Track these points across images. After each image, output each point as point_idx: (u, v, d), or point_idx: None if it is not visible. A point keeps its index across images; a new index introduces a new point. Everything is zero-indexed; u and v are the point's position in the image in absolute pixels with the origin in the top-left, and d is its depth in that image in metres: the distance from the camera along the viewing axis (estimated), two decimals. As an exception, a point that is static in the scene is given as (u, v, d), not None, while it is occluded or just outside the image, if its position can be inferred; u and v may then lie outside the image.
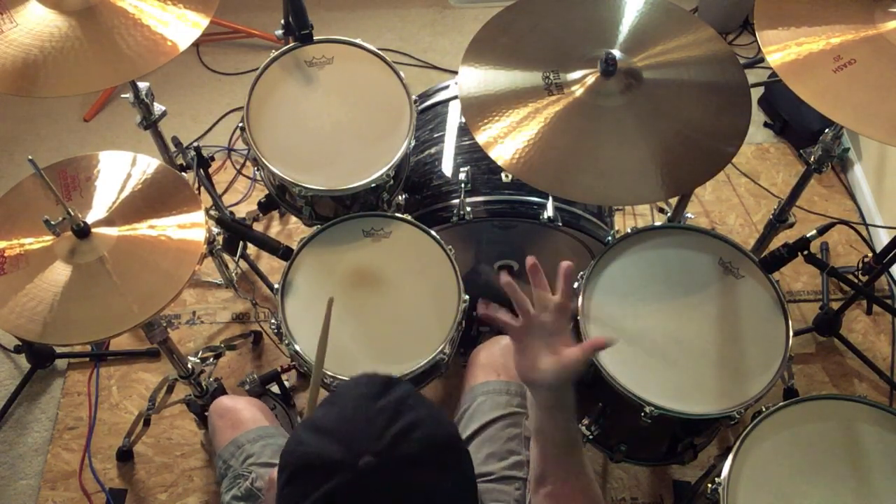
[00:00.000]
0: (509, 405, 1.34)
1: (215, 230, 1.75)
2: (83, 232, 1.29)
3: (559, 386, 0.96)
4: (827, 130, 1.61)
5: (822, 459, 1.28)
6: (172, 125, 2.44)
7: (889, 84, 1.27)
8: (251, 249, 2.20)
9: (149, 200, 1.36)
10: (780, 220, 1.85)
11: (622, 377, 1.37)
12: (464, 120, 1.55)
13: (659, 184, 1.35)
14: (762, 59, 1.68)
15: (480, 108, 1.41)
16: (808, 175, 1.69)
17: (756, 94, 2.58)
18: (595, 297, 1.45)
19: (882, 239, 2.22)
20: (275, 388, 1.91)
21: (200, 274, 2.23)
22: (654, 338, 1.41)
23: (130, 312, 1.24)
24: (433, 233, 1.58)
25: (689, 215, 1.83)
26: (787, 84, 1.30)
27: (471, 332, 1.89)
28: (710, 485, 1.29)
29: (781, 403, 1.33)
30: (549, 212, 1.62)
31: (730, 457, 1.28)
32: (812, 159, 1.64)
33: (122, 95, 1.68)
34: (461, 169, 1.66)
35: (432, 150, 1.81)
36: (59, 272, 1.27)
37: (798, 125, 2.44)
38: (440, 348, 1.45)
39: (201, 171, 1.96)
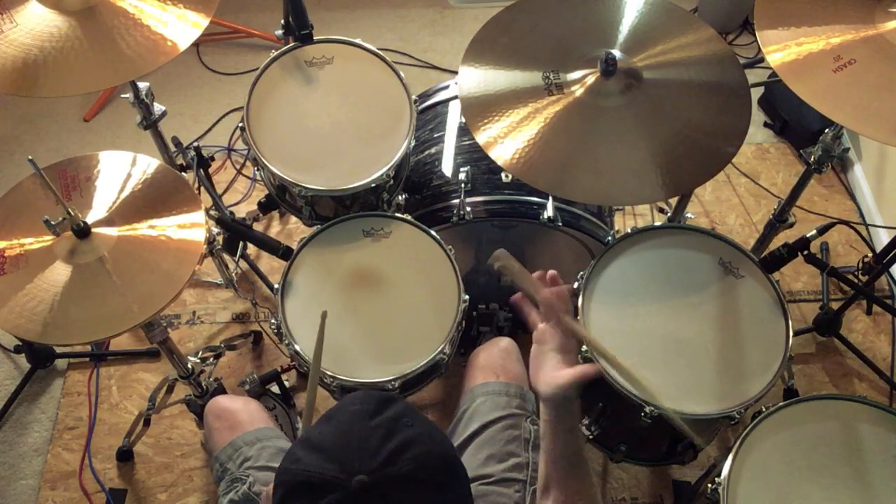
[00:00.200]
0: (508, 406, 1.34)
1: (215, 230, 1.75)
2: (83, 232, 1.29)
3: (559, 402, 0.96)
4: (827, 130, 1.61)
5: (822, 459, 1.28)
6: (172, 125, 2.44)
7: (889, 84, 1.27)
8: (251, 249, 2.20)
9: (149, 200, 1.36)
10: (780, 220, 1.85)
11: (623, 377, 1.36)
12: (464, 120, 1.55)
13: (659, 184, 1.35)
14: (762, 59, 1.68)
15: (480, 108, 1.41)
16: (808, 175, 1.69)
17: (756, 94, 2.58)
18: (595, 297, 1.45)
19: (882, 239, 2.22)
20: (275, 388, 1.91)
21: (200, 274, 2.23)
22: (654, 338, 1.41)
23: (130, 312, 1.25)
24: (433, 233, 1.58)
25: (689, 215, 1.83)
26: (787, 84, 1.30)
27: (471, 332, 1.90)
28: (710, 485, 1.29)
29: (781, 403, 1.33)
30: (549, 212, 1.62)
31: (730, 457, 1.28)
32: (812, 159, 1.64)
33: (122, 95, 1.68)
34: (461, 169, 1.66)
35: (432, 150, 1.81)
36: (59, 272, 1.27)
37: (798, 125, 2.44)
38: (440, 348, 1.45)
39: (201, 171, 1.96)
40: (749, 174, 2.44)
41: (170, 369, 1.73)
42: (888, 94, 1.26)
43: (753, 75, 2.30)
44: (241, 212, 2.31)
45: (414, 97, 1.66)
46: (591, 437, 1.59)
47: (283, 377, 1.91)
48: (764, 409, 1.33)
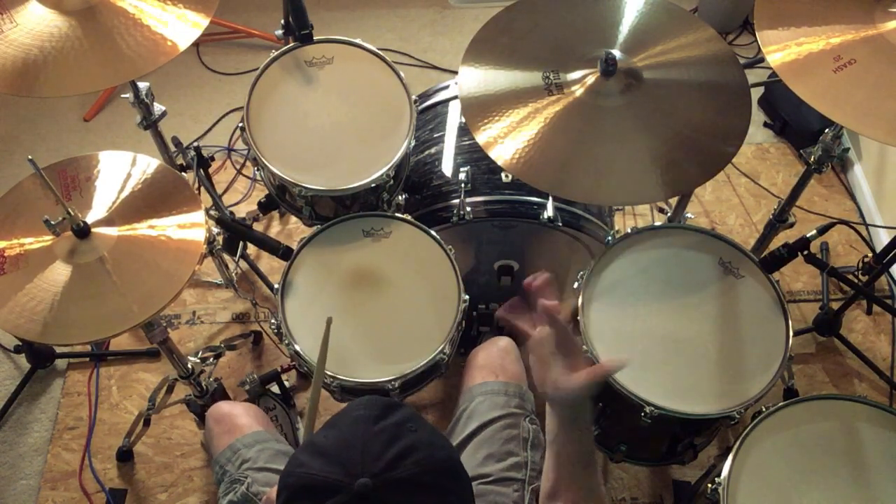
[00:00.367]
0: (507, 406, 1.34)
1: (215, 230, 1.75)
2: (83, 232, 1.29)
3: (575, 403, 0.95)
4: (827, 130, 1.61)
5: (822, 459, 1.28)
6: (172, 125, 2.44)
7: (889, 84, 1.27)
8: (251, 249, 2.20)
9: (149, 200, 1.36)
10: (780, 220, 1.85)
11: (622, 377, 1.36)
12: (464, 120, 1.55)
13: (659, 184, 1.35)
14: (762, 59, 1.68)
15: (480, 108, 1.41)
16: (808, 175, 1.69)
17: (756, 94, 2.58)
18: (595, 297, 1.45)
19: (882, 239, 2.22)
20: (275, 388, 1.91)
21: (200, 274, 2.23)
22: (654, 338, 1.41)
23: (130, 312, 1.25)
24: (433, 233, 1.58)
25: (689, 215, 1.83)
26: (787, 84, 1.30)
27: (471, 332, 1.90)
28: (710, 485, 1.29)
29: (781, 403, 1.33)
30: (549, 212, 1.62)
31: (730, 457, 1.28)
32: (812, 159, 1.64)
33: (122, 95, 1.68)
34: (461, 169, 1.66)
35: (432, 150, 1.81)
36: (59, 272, 1.27)
37: (798, 125, 2.44)
38: (440, 348, 1.45)
39: (201, 171, 1.96)
40: (749, 174, 2.44)
41: (170, 369, 1.73)
42: (888, 94, 1.26)
43: (753, 75, 2.30)
44: (241, 212, 2.31)
45: (414, 97, 1.66)
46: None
47: (283, 377, 1.91)
48: (764, 409, 1.33)
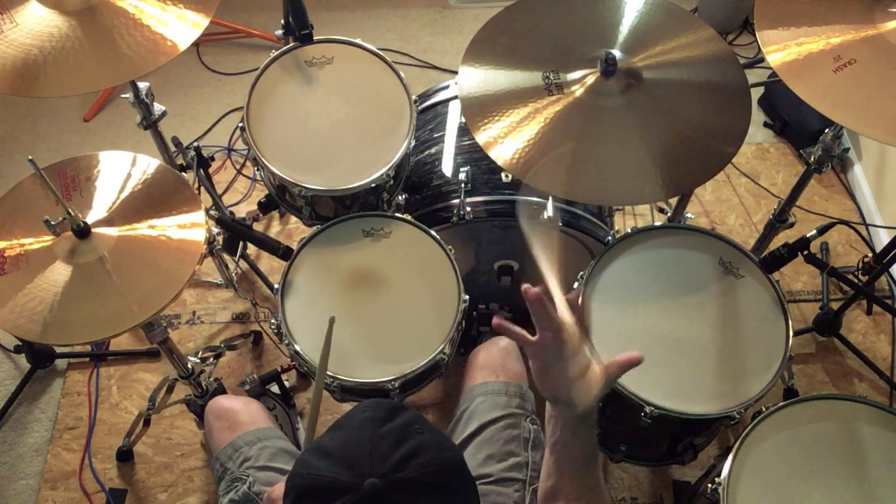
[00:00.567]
0: (508, 406, 1.34)
1: (215, 230, 1.75)
2: (83, 232, 1.29)
3: (585, 404, 0.94)
4: (827, 130, 1.61)
5: (822, 459, 1.28)
6: (172, 125, 2.44)
7: (889, 84, 1.27)
8: (251, 249, 2.20)
9: (149, 200, 1.36)
10: (780, 220, 1.85)
11: (622, 377, 1.36)
12: (464, 120, 1.55)
13: (659, 184, 1.35)
14: (762, 59, 1.68)
15: (480, 108, 1.41)
16: (808, 175, 1.69)
17: (756, 94, 2.58)
18: (595, 297, 1.45)
19: (882, 239, 2.22)
20: (275, 388, 1.91)
21: (200, 274, 2.23)
22: (654, 338, 1.41)
23: (130, 312, 1.25)
24: (433, 233, 1.58)
25: (689, 215, 1.83)
26: (787, 84, 1.29)
27: (471, 332, 1.90)
28: (710, 485, 1.29)
29: (781, 403, 1.33)
30: (549, 212, 1.62)
31: (730, 457, 1.28)
32: (812, 159, 1.64)
33: (122, 95, 1.68)
34: (461, 169, 1.66)
35: (432, 150, 1.81)
36: (59, 272, 1.27)
37: (798, 125, 2.44)
38: (440, 348, 1.45)
39: (201, 171, 1.96)
40: (749, 174, 2.44)
41: (170, 369, 1.73)
42: (888, 94, 1.26)
43: (753, 75, 2.29)
44: (241, 212, 2.31)
45: (414, 97, 1.66)
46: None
47: (283, 377, 1.91)
48: (764, 409, 1.33)
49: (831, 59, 1.30)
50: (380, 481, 0.76)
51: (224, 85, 2.74)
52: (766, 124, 2.56)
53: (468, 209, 1.63)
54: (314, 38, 1.70)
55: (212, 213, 1.94)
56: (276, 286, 1.53)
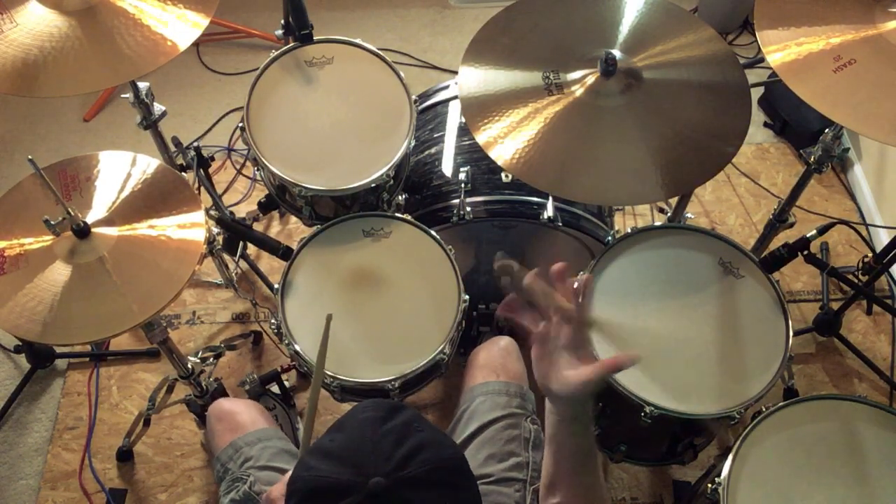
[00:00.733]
0: (509, 406, 1.34)
1: (215, 230, 1.75)
2: (83, 232, 1.29)
3: (578, 399, 0.93)
4: (827, 130, 1.61)
5: (822, 459, 1.28)
6: (172, 125, 2.44)
7: (889, 84, 1.27)
8: (251, 249, 2.20)
9: (149, 200, 1.36)
10: (780, 220, 1.85)
11: (622, 377, 1.36)
12: (464, 120, 1.55)
13: (659, 184, 1.35)
14: (762, 59, 1.68)
15: (480, 108, 1.41)
16: (808, 175, 1.69)
17: (756, 94, 2.58)
18: (595, 297, 1.45)
19: (882, 239, 2.22)
20: (275, 388, 1.91)
21: (200, 274, 2.23)
22: (654, 338, 1.41)
23: (130, 312, 1.24)
24: (433, 233, 1.58)
25: (689, 215, 1.83)
26: (787, 84, 1.30)
27: (471, 332, 1.90)
28: (710, 485, 1.29)
29: (781, 403, 1.33)
30: (549, 212, 1.62)
31: (730, 457, 1.28)
32: (812, 159, 1.64)
33: (122, 95, 1.68)
34: (461, 169, 1.66)
35: (432, 150, 1.81)
36: (59, 272, 1.27)
37: (798, 125, 2.44)
38: (440, 348, 1.45)
39: (201, 171, 1.96)
40: (749, 174, 2.44)
41: (170, 369, 1.73)
42: (888, 94, 1.26)
43: (753, 75, 2.30)
44: (241, 212, 2.31)
45: (414, 97, 1.66)
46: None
47: (283, 377, 1.91)
48: (764, 409, 1.33)
49: (831, 59, 1.30)
50: (384, 480, 0.76)
51: (224, 85, 2.74)
52: (766, 124, 2.56)
53: (468, 209, 1.63)
54: (314, 38, 1.70)
55: (212, 213, 1.94)
56: (276, 286, 1.53)
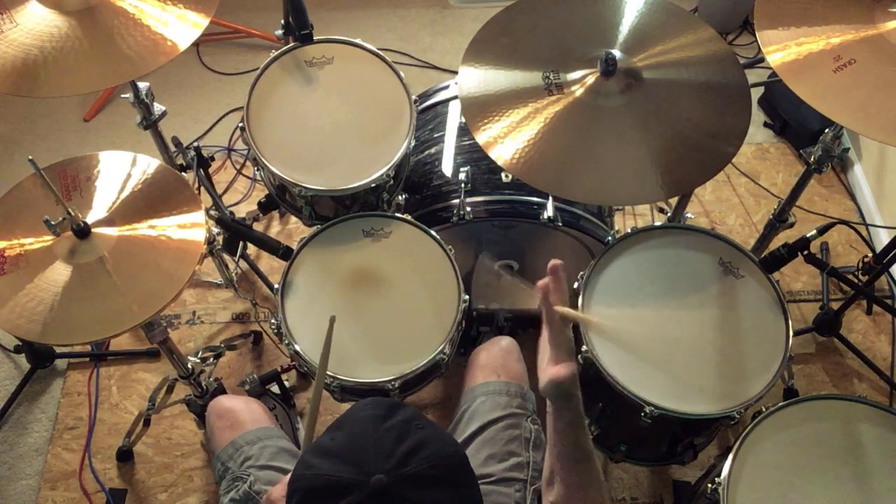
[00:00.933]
0: (509, 406, 1.34)
1: (215, 230, 1.75)
2: (83, 232, 1.29)
3: (552, 396, 0.95)
4: (827, 130, 1.61)
5: (822, 459, 1.28)
6: (172, 125, 2.44)
7: (889, 84, 1.27)
8: (251, 249, 2.20)
9: (149, 200, 1.36)
10: (780, 220, 1.85)
11: (622, 377, 1.37)
12: (464, 120, 1.55)
13: (659, 184, 1.35)
14: (762, 59, 1.68)
15: (480, 108, 1.41)
16: (808, 175, 1.69)
17: (756, 94, 2.58)
18: (595, 297, 1.45)
19: (882, 239, 2.22)
20: (275, 388, 1.91)
21: (200, 274, 2.23)
22: (655, 338, 1.41)
23: (130, 312, 1.25)
24: (433, 233, 1.58)
25: (689, 215, 1.83)
26: (787, 84, 1.30)
27: (471, 332, 1.90)
28: (710, 485, 1.30)
29: (781, 403, 1.33)
30: (549, 212, 1.62)
31: (730, 457, 1.28)
32: (812, 159, 1.64)
33: (122, 95, 1.68)
34: (461, 169, 1.66)
35: (432, 150, 1.81)
36: (59, 272, 1.27)
37: (798, 125, 2.44)
38: (440, 348, 1.45)
39: (201, 171, 1.96)
40: (749, 174, 2.44)
41: (170, 369, 1.73)
42: (888, 94, 1.26)
43: (753, 75, 2.29)
44: (241, 212, 2.31)
45: (414, 97, 1.66)
46: (591, 436, 1.59)
47: (283, 377, 1.91)
48: (764, 409, 1.33)
49: (831, 59, 1.30)
50: (386, 477, 0.76)
51: (224, 85, 2.74)
52: (766, 124, 2.56)
53: (468, 209, 1.63)
54: (314, 38, 1.70)
55: (212, 213, 1.94)
56: (276, 286, 1.53)
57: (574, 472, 0.98)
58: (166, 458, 1.94)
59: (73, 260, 1.28)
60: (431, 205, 1.72)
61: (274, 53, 1.68)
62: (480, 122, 1.39)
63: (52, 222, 1.23)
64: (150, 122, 1.72)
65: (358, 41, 1.70)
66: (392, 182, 1.64)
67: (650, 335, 1.42)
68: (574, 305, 1.43)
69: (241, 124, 1.62)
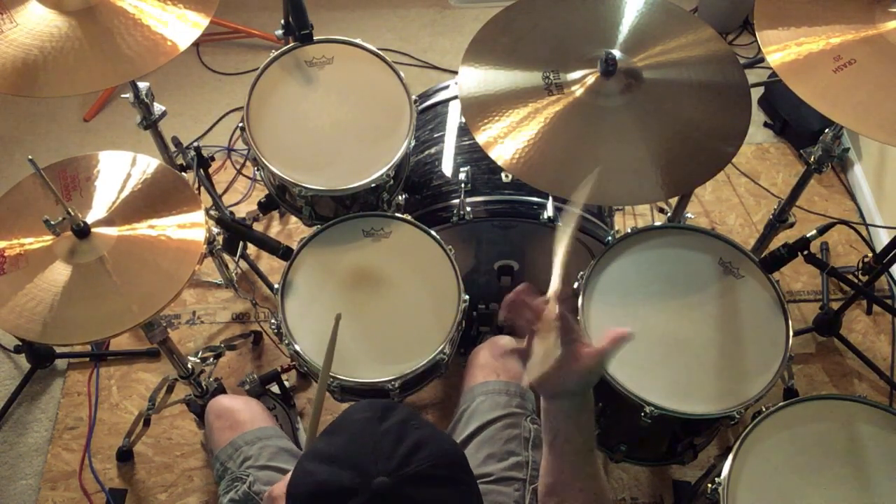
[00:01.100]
0: (508, 405, 1.34)
1: (215, 230, 1.75)
2: (83, 232, 1.29)
3: (583, 391, 0.94)
4: (827, 130, 1.61)
5: (822, 459, 1.28)
6: (172, 125, 2.44)
7: (889, 84, 1.27)
8: (251, 249, 2.20)
9: (149, 200, 1.36)
10: (780, 220, 1.85)
11: (622, 377, 1.37)
12: (464, 120, 1.55)
13: (659, 184, 1.35)
14: (762, 59, 1.68)
15: (480, 108, 1.41)
16: (808, 175, 1.69)
17: (756, 94, 2.58)
18: (595, 297, 1.45)
19: (882, 239, 2.22)
20: (275, 388, 1.91)
21: (200, 274, 2.23)
22: (654, 338, 1.41)
23: (130, 312, 1.24)
24: (433, 233, 1.58)
25: (689, 215, 1.83)
26: (787, 84, 1.30)
27: (471, 332, 1.90)
28: (710, 485, 1.29)
29: (781, 403, 1.33)
30: (549, 212, 1.62)
31: (730, 457, 1.28)
32: (812, 159, 1.64)
33: (122, 95, 1.68)
34: (461, 169, 1.66)
35: (432, 150, 1.81)
36: (59, 272, 1.27)
37: (798, 125, 2.44)
38: (440, 348, 1.45)
39: (201, 171, 1.96)
40: (749, 174, 2.44)
41: (170, 369, 1.73)
42: (888, 94, 1.26)
43: (753, 75, 2.30)
44: (241, 212, 2.31)
45: (414, 97, 1.66)
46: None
47: (283, 377, 1.91)
48: (764, 409, 1.32)
49: (831, 59, 1.30)
50: (388, 479, 0.75)
51: (224, 85, 2.74)
52: (766, 124, 2.56)
53: (468, 209, 1.63)
54: (314, 38, 1.70)
55: (212, 213, 1.94)
56: (276, 286, 1.53)
57: (586, 471, 0.96)
58: (166, 458, 1.94)
59: (73, 260, 1.28)
60: (431, 205, 1.72)
61: (274, 53, 1.68)
62: (480, 122, 1.39)
63: (52, 222, 1.23)
64: (150, 122, 1.72)
65: (358, 41, 1.70)
66: (392, 182, 1.64)
67: (650, 335, 1.42)
68: (574, 305, 1.43)
69: (241, 124, 1.62)
